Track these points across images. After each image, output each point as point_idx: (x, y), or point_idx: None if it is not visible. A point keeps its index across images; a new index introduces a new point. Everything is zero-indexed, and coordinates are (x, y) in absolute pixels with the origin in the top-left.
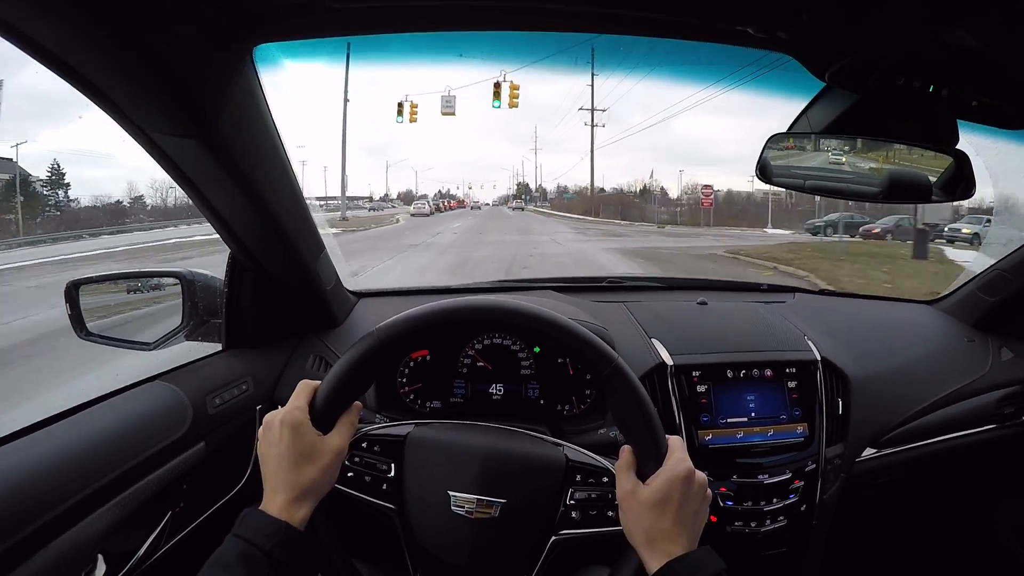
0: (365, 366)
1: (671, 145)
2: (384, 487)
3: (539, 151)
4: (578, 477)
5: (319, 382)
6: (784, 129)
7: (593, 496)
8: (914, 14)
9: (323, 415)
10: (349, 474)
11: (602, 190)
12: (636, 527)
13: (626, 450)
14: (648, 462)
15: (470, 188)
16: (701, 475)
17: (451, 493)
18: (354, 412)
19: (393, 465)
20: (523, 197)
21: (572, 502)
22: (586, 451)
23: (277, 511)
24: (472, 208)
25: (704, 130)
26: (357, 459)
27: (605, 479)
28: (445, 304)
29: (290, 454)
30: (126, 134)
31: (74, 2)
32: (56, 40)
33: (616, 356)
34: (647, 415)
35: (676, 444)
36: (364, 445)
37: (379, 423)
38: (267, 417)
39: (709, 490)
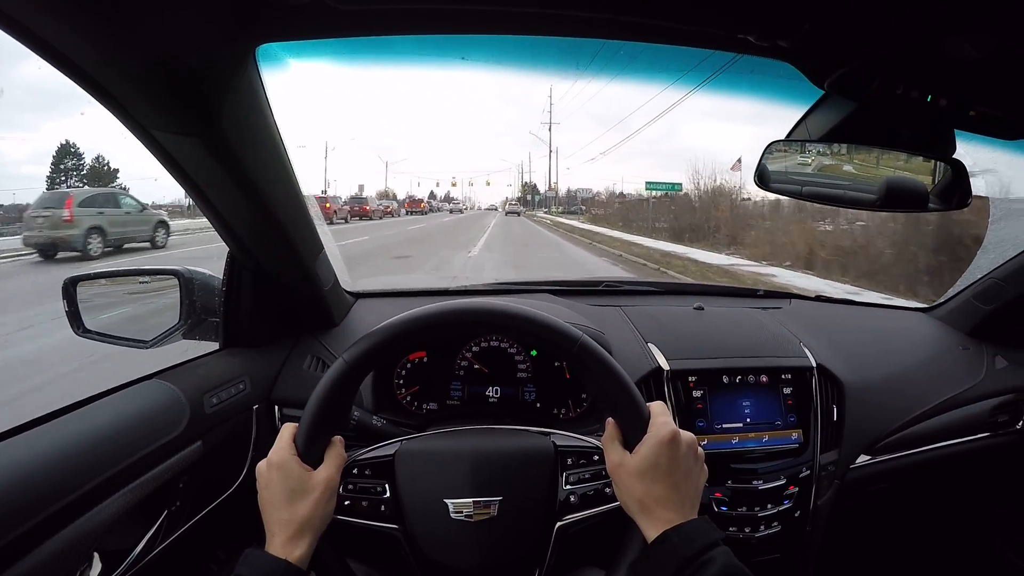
0: (338, 392)
1: (680, 151)
2: (383, 508)
3: (537, 154)
4: (569, 461)
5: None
6: (782, 135)
7: (587, 476)
8: (915, 24)
9: (307, 449)
10: (346, 502)
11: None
12: (629, 497)
13: (610, 423)
14: (632, 431)
15: (454, 184)
16: (688, 435)
17: (448, 501)
18: (339, 443)
19: (387, 485)
20: (530, 199)
21: (568, 487)
22: (572, 434)
23: (276, 551)
24: (452, 211)
25: (710, 137)
26: (351, 486)
27: (596, 457)
28: (413, 314)
29: (281, 493)
30: (126, 131)
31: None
32: (57, 35)
33: (581, 334)
34: (621, 383)
35: (658, 409)
36: (355, 471)
37: (375, 423)
38: (258, 465)
39: (700, 449)
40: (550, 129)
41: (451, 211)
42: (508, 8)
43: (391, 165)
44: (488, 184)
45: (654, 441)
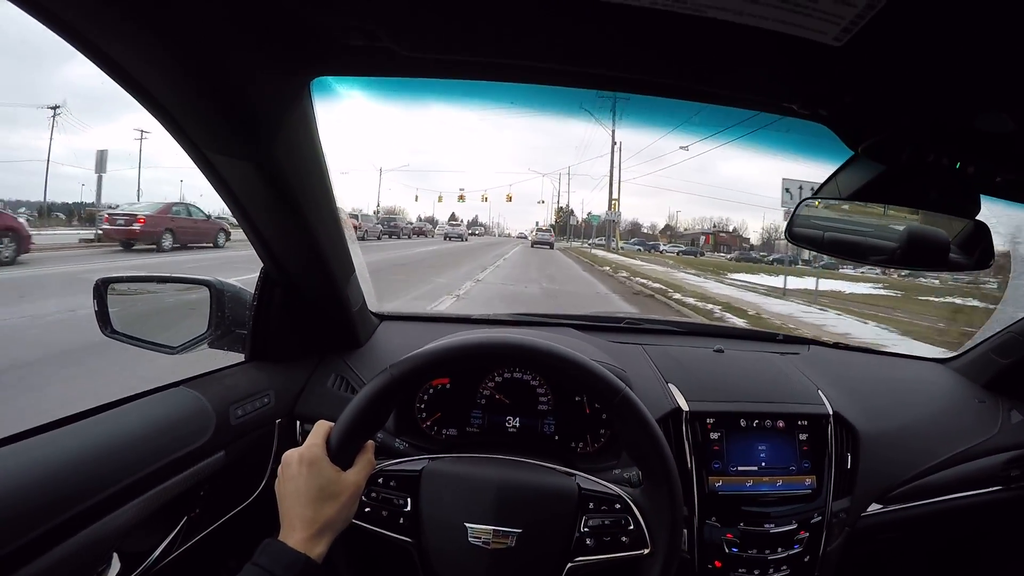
0: (380, 402)
1: (712, 184)
2: (401, 521)
3: (571, 179)
4: (591, 505)
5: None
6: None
7: (607, 523)
8: (949, 99)
9: (340, 452)
10: (367, 509)
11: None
12: None
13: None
14: (658, 491)
15: (461, 198)
16: None
17: (468, 525)
18: (370, 450)
19: (409, 499)
20: (576, 224)
21: (586, 529)
22: (597, 479)
23: (295, 546)
24: (449, 237)
25: (745, 171)
26: (374, 494)
27: (617, 505)
28: (460, 342)
29: (309, 491)
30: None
31: (147, 24)
32: (127, 58)
33: (624, 386)
34: (655, 440)
35: None
36: (380, 481)
37: (397, 446)
38: (286, 455)
39: None
40: (613, 111)
41: (447, 236)
42: (562, 66)
43: (403, 179)
44: (509, 200)
45: None
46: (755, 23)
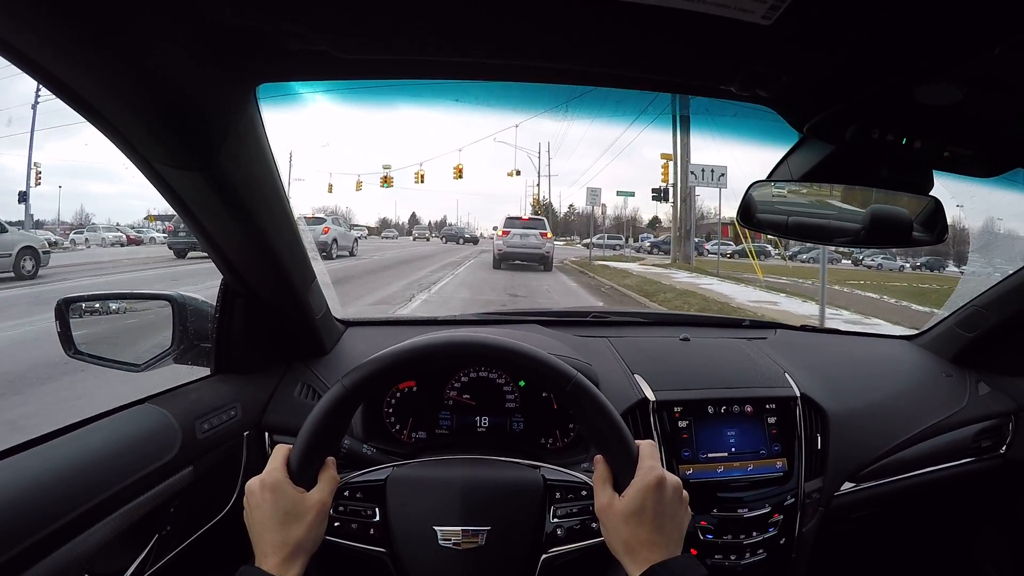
0: (335, 416)
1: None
2: (372, 532)
3: (550, 177)
4: (558, 495)
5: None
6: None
7: (575, 511)
8: (888, 74)
9: (301, 472)
10: (336, 524)
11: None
12: (615, 539)
13: (600, 461)
14: (621, 470)
15: (386, 178)
16: (674, 479)
17: (436, 528)
18: (332, 465)
19: (377, 509)
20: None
21: (556, 520)
22: (562, 468)
23: (270, 571)
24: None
25: (715, 159)
26: (342, 508)
27: (584, 492)
28: (410, 344)
29: (275, 516)
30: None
31: (83, 37)
32: (64, 71)
33: (576, 373)
34: (613, 424)
35: (647, 451)
36: (346, 493)
37: (365, 452)
38: (248, 484)
39: (685, 491)
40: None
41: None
42: (501, 60)
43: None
44: (459, 175)
45: (641, 485)
46: (681, 5)
